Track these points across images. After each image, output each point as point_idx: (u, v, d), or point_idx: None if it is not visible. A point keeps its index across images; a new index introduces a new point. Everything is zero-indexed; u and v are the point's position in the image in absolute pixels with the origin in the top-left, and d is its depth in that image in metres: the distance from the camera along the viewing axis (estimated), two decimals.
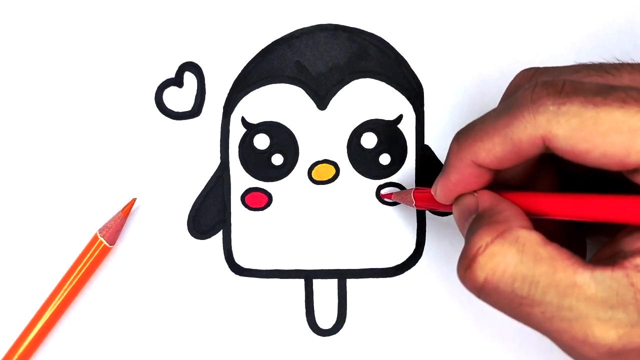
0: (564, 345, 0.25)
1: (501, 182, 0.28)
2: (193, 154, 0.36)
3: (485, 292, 0.25)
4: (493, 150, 0.25)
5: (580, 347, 0.24)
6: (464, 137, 0.27)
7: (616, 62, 0.27)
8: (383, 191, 0.36)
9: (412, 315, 0.36)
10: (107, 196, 0.36)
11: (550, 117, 0.24)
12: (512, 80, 0.29)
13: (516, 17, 0.36)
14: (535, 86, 0.24)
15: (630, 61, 0.27)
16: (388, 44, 0.36)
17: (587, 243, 0.31)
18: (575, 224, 0.30)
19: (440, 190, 0.29)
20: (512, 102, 0.25)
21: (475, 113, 0.36)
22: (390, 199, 0.36)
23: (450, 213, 0.36)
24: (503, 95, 0.30)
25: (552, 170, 0.29)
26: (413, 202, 0.33)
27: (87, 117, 0.36)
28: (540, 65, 0.29)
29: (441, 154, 0.36)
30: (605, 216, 0.24)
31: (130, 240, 0.36)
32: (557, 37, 0.36)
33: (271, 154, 0.36)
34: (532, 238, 0.25)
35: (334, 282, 0.36)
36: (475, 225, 0.26)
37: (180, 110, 0.37)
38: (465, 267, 0.25)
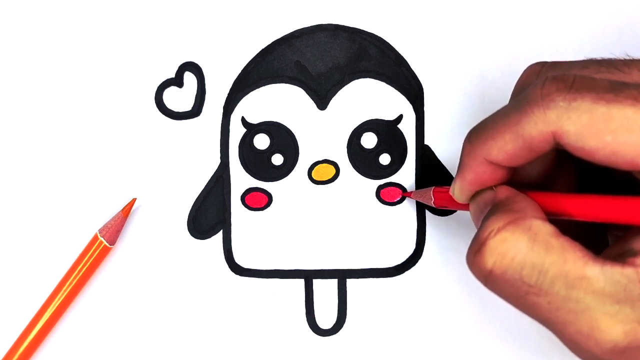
0: (567, 339, 0.25)
1: (519, 180, 0.28)
2: (193, 154, 0.36)
3: (492, 278, 0.25)
4: (505, 147, 0.25)
5: (585, 342, 0.24)
6: (475, 135, 0.27)
7: (626, 57, 0.27)
8: (403, 191, 0.36)
9: (412, 315, 0.36)
10: (107, 196, 0.36)
11: (561, 112, 0.23)
12: (520, 77, 0.29)
13: (516, 17, 0.36)
14: (545, 81, 0.24)
15: (627, 57, 0.27)
16: (388, 44, 0.36)
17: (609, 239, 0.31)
18: None
19: (458, 189, 0.29)
20: (522, 98, 0.25)
21: (475, 113, 0.36)
22: (410, 197, 0.36)
23: (452, 212, 0.36)
24: (512, 92, 0.29)
25: (570, 168, 0.29)
26: (432, 200, 0.33)
27: (88, 117, 0.36)
28: None
29: (441, 154, 0.36)
30: (621, 218, 0.24)
31: (130, 240, 0.36)
32: (558, 37, 0.36)
33: (271, 154, 0.36)
34: (545, 228, 0.24)
35: (334, 282, 0.36)
36: (489, 213, 0.26)
37: (180, 110, 0.37)
38: (475, 251, 0.25)
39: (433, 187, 0.33)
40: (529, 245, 0.24)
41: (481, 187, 0.28)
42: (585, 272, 0.23)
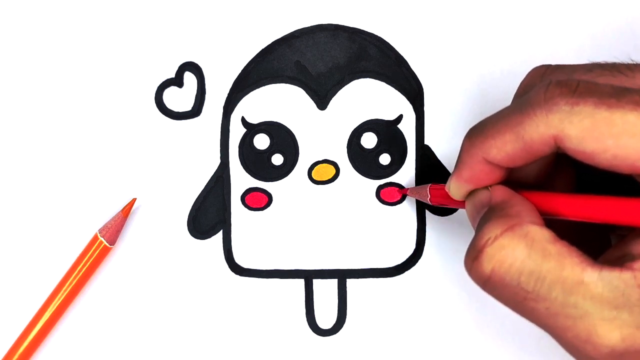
0: (566, 343, 0.25)
1: (517, 180, 0.28)
2: (193, 154, 0.36)
3: (491, 284, 0.25)
4: (504, 147, 0.25)
5: (583, 347, 0.24)
6: (475, 134, 0.27)
7: (630, 62, 0.27)
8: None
9: (412, 315, 0.36)
10: (107, 196, 0.36)
11: (563, 116, 0.24)
12: (524, 78, 0.29)
13: (516, 17, 0.36)
14: (548, 85, 0.24)
15: (631, 62, 0.27)
16: (388, 44, 0.36)
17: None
18: None
19: (454, 186, 0.29)
20: (525, 100, 0.25)
21: (475, 113, 0.36)
22: (406, 194, 0.36)
23: (452, 212, 0.36)
24: (516, 93, 0.29)
25: (569, 170, 0.29)
26: (428, 197, 0.33)
27: (88, 117, 0.36)
28: None
29: (441, 153, 0.36)
30: (615, 218, 0.24)
31: (130, 240, 0.36)
32: (557, 38, 0.36)
33: (271, 154, 0.36)
34: (542, 234, 0.24)
35: (334, 282, 0.36)
36: (485, 217, 0.26)
37: (180, 110, 0.37)
38: (473, 258, 0.25)
39: (430, 184, 0.33)
40: (526, 252, 0.24)
41: (477, 185, 0.28)
42: (583, 278, 0.23)
